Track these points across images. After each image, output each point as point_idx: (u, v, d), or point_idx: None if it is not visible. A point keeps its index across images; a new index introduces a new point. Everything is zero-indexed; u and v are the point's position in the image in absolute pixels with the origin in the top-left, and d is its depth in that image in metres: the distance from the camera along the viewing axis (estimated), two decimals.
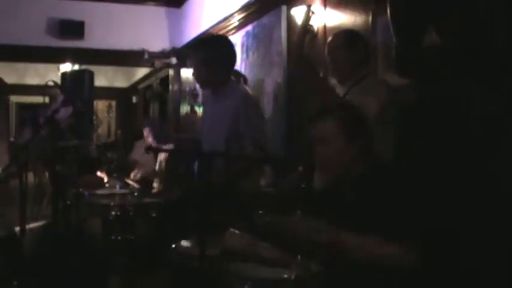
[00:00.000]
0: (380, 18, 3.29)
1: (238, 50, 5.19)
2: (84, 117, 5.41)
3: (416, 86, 2.95)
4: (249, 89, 4.71)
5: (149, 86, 10.80)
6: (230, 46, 3.29)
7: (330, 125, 2.00)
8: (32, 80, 11.83)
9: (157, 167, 5.56)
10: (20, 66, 11.60)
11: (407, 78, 2.98)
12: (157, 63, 8.31)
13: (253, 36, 5.47)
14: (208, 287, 1.88)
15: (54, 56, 8.01)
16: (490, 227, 2.47)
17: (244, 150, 2.99)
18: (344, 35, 2.96)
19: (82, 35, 7.72)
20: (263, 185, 3.73)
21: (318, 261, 1.78)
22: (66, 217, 3.86)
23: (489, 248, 2.47)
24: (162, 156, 5.48)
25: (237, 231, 2.03)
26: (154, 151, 5.25)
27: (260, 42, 5.29)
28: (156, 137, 5.60)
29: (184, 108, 8.00)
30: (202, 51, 3.23)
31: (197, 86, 7.22)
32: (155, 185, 5.40)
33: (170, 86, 8.58)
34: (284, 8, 4.75)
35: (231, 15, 5.87)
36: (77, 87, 7.39)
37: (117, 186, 4.40)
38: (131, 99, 12.62)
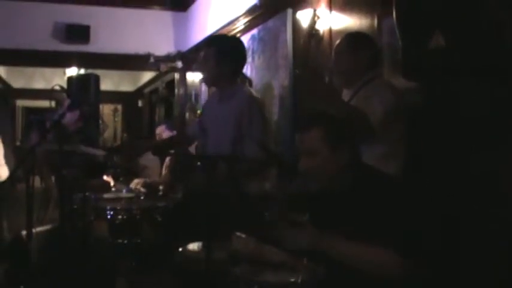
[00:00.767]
0: (386, 21, 3.28)
1: None
2: (90, 121, 5.42)
3: (422, 88, 2.95)
4: (254, 92, 4.72)
5: (155, 90, 10.84)
6: (242, 48, 3.33)
7: (314, 137, 1.96)
8: (39, 84, 11.90)
9: (163, 171, 5.57)
10: (27, 70, 11.67)
11: (413, 81, 2.97)
12: (163, 67, 8.33)
13: (258, 40, 5.47)
14: None
15: (60, 60, 8.05)
16: (490, 229, 2.46)
17: (246, 152, 3.00)
18: (347, 39, 2.94)
19: (88, 39, 7.74)
20: (268, 187, 3.73)
21: (324, 265, 1.78)
22: (73, 221, 3.86)
23: (489, 251, 2.46)
24: (168, 160, 5.49)
25: (243, 235, 2.03)
26: (162, 153, 5.25)
27: (266, 45, 5.29)
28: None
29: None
30: (215, 45, 3.28)
31: (202, 89, 7.26)
32: (161, 187, 5.41)
33: (176, 90, 8.60)
34: (290, 11, 4.74)
35: (237, 18, 5.87)
36: (83, 91, 7.41)
37: (124, 190, 4.41)
38: (137, 103, 12.66)
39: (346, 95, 2.86)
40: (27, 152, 3.75)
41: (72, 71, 8.35)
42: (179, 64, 8.15)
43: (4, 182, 4.42)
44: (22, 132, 12.50)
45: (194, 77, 7.80)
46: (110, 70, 10.25)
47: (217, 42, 3.43)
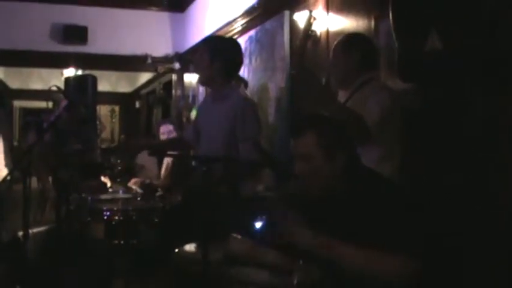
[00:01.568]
0: (383, 23, 3.28)
1: None
2: (88, 122, 5.41)
3: (419, 90, 2.95)
4: (248, 94, 4.73)
5: (152, 91, 10.82)
6: (237, 49, 3.33)
7: (307, 142, 1.94)
8: (36, 85, 11.87)
9: (162, 171, 5.56)
10: (24, 71, 11.65)
11: (410, 82, 2.98)
12: (161, 68, 8.34)
13: (256, 41, 5.48)
14: None
15: (57, 61, 8.03)
16: (490, 231, 2.47)
17: (240, 153, 3.01)
18: (342, 40, 2.93)
19: (85, 40, 7.74)
20: (262, 189, 3.73)
21: (320, 266, 1.78)
22: (70, 222, 3.86)
23: (490, 254, 2.46)
24: (167, 160, 5.48)
25: (239, 236, 2.03)
26: (158, 154, 5.24)
27: (263, 47, 5.30)
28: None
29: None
30: (208, 45, 3.30)
31: (199, 90, 7.25)
32: (159, 189, 5.40)
33: (173, 91, 8.59)
34: (287, 13, 4.75)
35: (234, 20, 5.88)
36: (80, 92, 7.37)
37: (120, 191, 4.41)
38: (134, 104, 12.65)
39: (342, 96, 2.86)
40: (24, 152, 3.74)
41: (70, 72, 8.32)
42: (176, 65, 8.15)
43: (1, 183, 4.41)
44: (19, 133, 12.47)
45: (191, 78, 7.80)
46: (108, 71, 10.24)
47: (211, 42, 3.46)
